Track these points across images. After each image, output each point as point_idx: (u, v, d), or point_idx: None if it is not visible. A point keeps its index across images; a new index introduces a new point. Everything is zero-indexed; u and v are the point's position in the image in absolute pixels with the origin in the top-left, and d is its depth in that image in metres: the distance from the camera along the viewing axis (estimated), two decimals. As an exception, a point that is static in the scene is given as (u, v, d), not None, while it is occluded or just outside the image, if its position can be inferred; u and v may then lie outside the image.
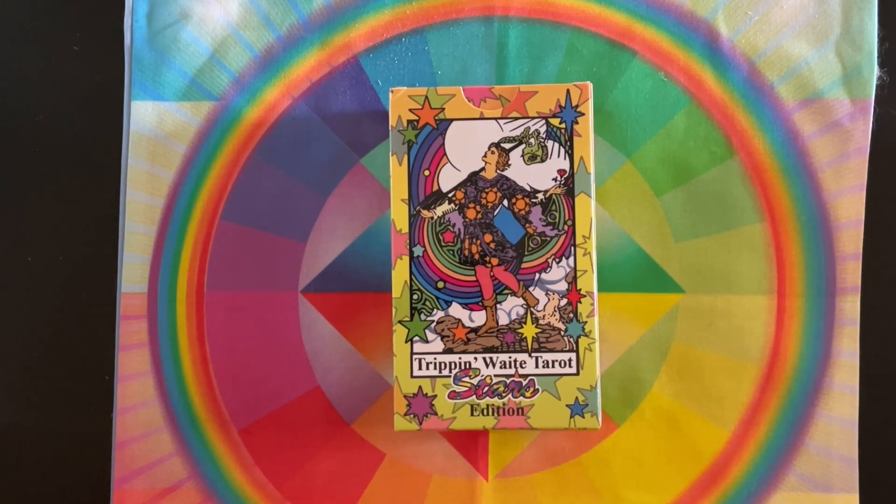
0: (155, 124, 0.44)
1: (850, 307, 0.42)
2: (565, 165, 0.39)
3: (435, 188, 0.39)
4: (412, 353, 0.39)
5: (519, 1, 0.44)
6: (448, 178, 0.39)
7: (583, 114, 0.39)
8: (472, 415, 0.39)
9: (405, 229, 0.39)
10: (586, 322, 0.39)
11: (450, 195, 0.39)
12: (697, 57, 0.43)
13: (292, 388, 0.43)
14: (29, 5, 0.46)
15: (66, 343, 0.45)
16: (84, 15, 0.45)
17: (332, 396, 0.43)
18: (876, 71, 0.43)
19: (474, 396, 0.39)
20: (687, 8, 0.43)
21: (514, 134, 0.39)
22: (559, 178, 0.39)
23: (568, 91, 0.39)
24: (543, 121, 0.39)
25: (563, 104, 0.39)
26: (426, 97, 0.39)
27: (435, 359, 0.39)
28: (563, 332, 0.39)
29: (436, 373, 0.39)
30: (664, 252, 0.43)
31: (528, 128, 0.39)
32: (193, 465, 0.43)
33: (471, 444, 0.43)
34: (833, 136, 0.43)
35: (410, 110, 0.39)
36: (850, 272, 0.42)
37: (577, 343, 0.39)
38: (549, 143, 0.39)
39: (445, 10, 0.44)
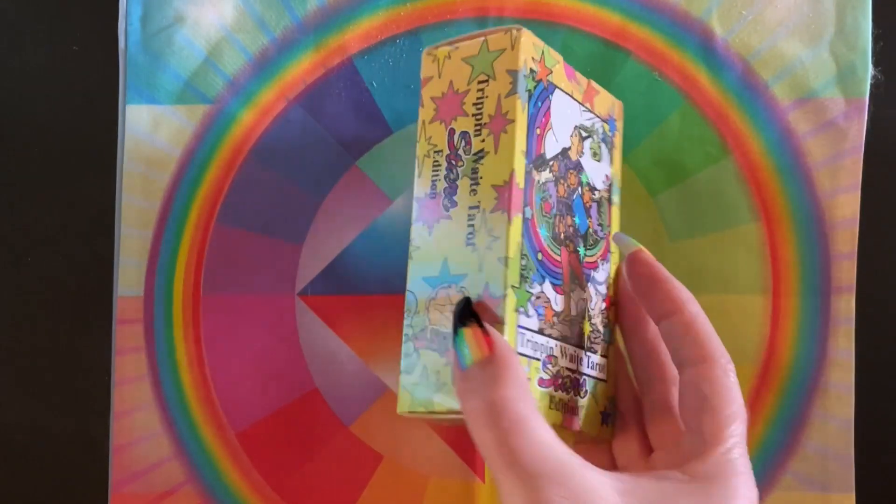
0: (150, 128, 0.44)
1: (845, 306, 0.42)
2: (609, 172, 0.37)
3: (541, 151, 0.33)
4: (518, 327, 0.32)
5: (513, 1, 0.44)
6: (550, 145, 0.34)
7: (618, 129, 0.38)
8: (550, 407, 0.33)
9: (522, 184, 0.32)
10: (613, 329, 0.36)
11: (550, 163, 0.34)
12: (692, 57, 0.43)
13: (290, 390, 0.43)
14: (29, 6, 0.46)
15: (62, 347, 0.45)
16: (78, 19, 0.45)
17: (329, 399, 0.43)
18: (870, 70, 0.43)
19: (553, 387, 0.33)
20: (681, 8, 0.43)
21: (587, 124, 0.36)
22: (606, 182, 0.37)
23: (614, 103, 0.38)
24: (602, 122, 0.37)
25: (612, 114, 0.37)
26: (543, 52, 0.33)
27: (532, 337, 0.32)
28: (602, 337, 0.36)
29: (531, 352, 0.32)
30: (659, 251, 0.43)
31: (595, 123, 0.36)
32: (191, 468, 0.43)
33: (468, 446, 0.43)
34: (828, 135, 0.43)
35: (533, 59, 0.33)
36: (846, 271, 0.42)
37: (608, 350, 0.36)
38: (603, 146, 0.37)
39: (440, 10, 0.44)
